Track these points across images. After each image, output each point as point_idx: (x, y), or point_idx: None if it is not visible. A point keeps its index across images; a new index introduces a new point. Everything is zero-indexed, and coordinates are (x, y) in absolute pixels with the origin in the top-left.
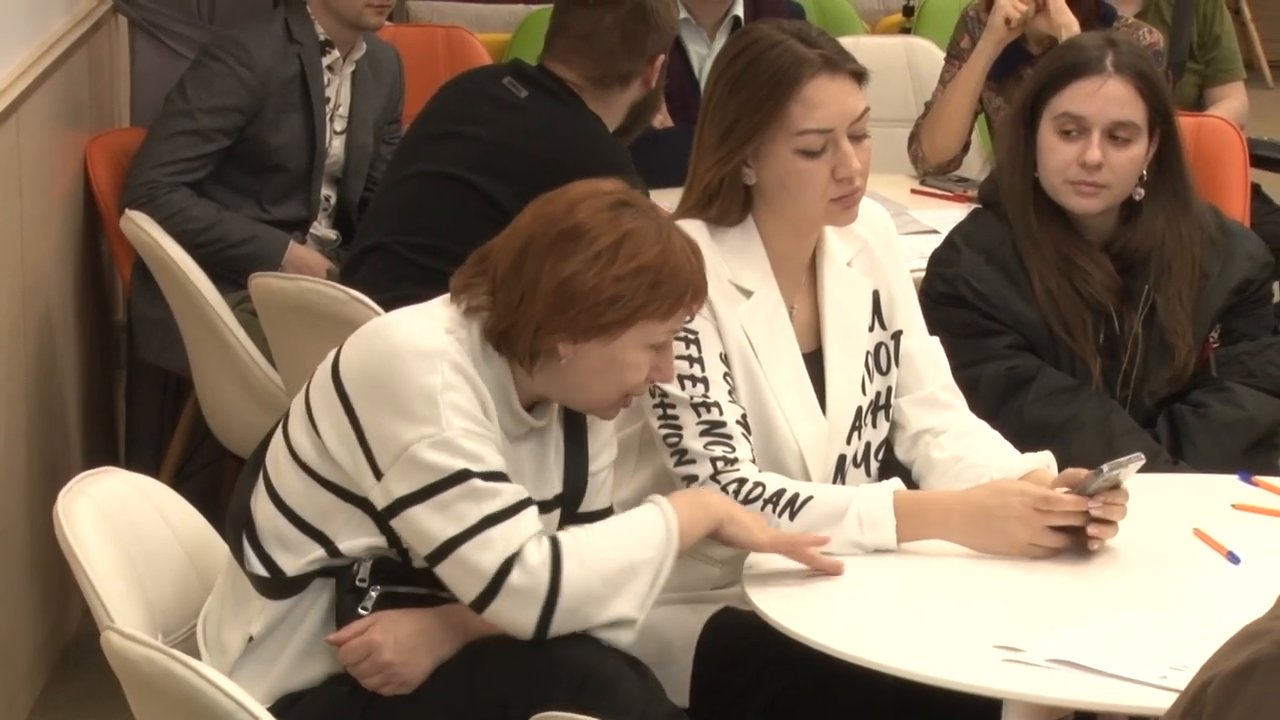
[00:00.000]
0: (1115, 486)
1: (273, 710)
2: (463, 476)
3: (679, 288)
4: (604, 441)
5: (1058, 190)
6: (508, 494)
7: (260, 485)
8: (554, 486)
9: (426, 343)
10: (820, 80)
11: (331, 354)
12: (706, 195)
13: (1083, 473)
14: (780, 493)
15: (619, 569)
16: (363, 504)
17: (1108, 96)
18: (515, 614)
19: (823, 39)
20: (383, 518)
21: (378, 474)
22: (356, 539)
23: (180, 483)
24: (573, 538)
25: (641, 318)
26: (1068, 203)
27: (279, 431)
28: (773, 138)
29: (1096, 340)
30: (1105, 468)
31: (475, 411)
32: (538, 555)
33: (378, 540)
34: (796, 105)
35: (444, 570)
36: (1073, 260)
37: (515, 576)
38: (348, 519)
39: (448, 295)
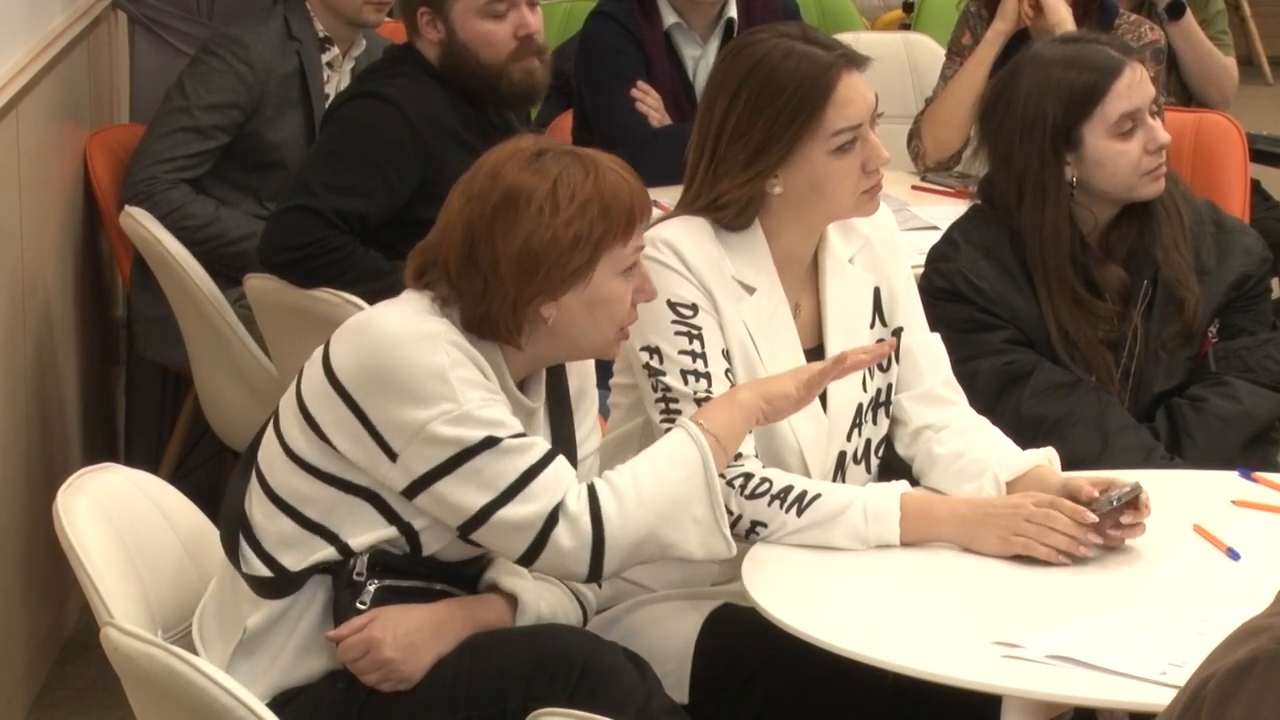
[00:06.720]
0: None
1: (271, 706)
2: (490, 443)
3: (626, 205)
4: (589, 428)
5: (1134, 188)
6: (539, 447)
7: (255, 486)
8: None
9: (423, 326)
10: (847, 78)
11: (317, 354)
12: (722, 205)
13: (1081, 484)
14: (788, 489)
15: (662, 500)
16: (367, 495)
17: (1142, 81)
18: (566, 563)
19: (827, 37)
20: (397, 500)
21: (392, 456)
22: (364, 534)
23: (179, 479)
24: (608, 481)
25: (605, 248)
26: (1144, 194)
27: (269, 432)
28: (806, 145)
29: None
30: (1111, 500)
31: (484, 381)
32: (577, 503)
33: (387, 532)
34: (831, 109)
35: (484, 535)
36: (1090, 309)
37: (561, 527)
38: (351, 511)
39: (410, 291)
